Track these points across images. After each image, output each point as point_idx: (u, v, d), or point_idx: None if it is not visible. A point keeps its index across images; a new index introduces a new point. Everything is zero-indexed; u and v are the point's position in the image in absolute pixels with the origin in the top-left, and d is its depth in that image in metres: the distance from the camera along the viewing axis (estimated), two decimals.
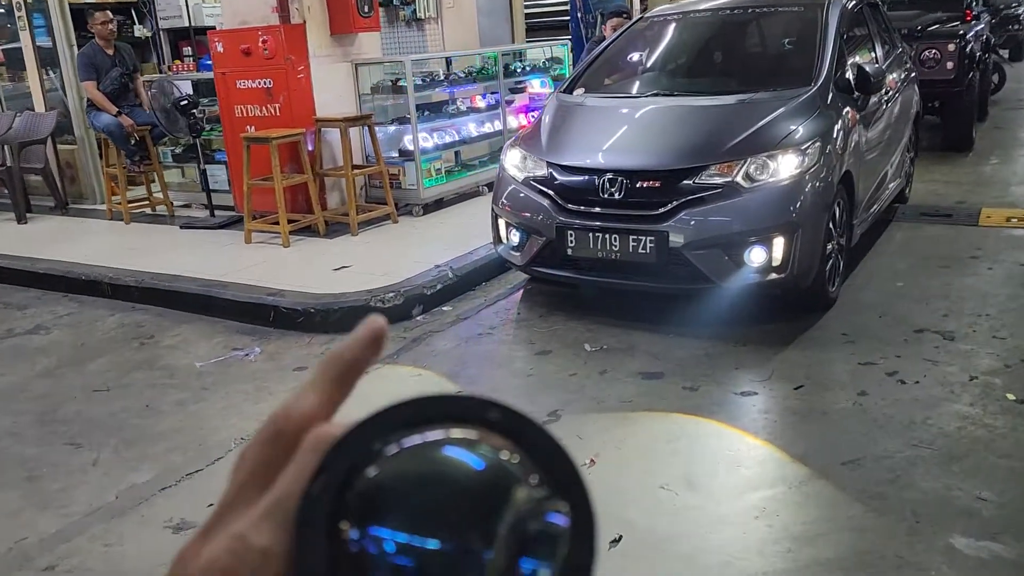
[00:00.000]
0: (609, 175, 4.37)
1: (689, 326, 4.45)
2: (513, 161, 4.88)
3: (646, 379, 3.88)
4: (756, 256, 4.18)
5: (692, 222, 4.18)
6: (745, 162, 4.20)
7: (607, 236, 4.35)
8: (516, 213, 4.76)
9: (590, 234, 4.39)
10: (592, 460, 3.18)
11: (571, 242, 4.46)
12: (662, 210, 4.23)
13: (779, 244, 4.15)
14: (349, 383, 0.42)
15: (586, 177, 4.47)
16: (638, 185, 4.31)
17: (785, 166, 4.21)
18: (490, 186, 7.55)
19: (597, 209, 4.40)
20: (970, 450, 3.11)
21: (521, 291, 5.26)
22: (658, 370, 3.96)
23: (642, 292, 4.49)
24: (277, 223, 6.13)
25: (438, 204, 7.13)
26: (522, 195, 4.73)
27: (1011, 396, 3.48)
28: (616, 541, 2.67)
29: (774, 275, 4.20)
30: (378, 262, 5.55)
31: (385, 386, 3.97)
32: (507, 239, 4.91)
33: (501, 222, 4.95)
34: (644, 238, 4.26)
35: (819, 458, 3.10)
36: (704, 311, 4.55)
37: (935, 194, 7.18)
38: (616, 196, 4.34)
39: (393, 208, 6.62)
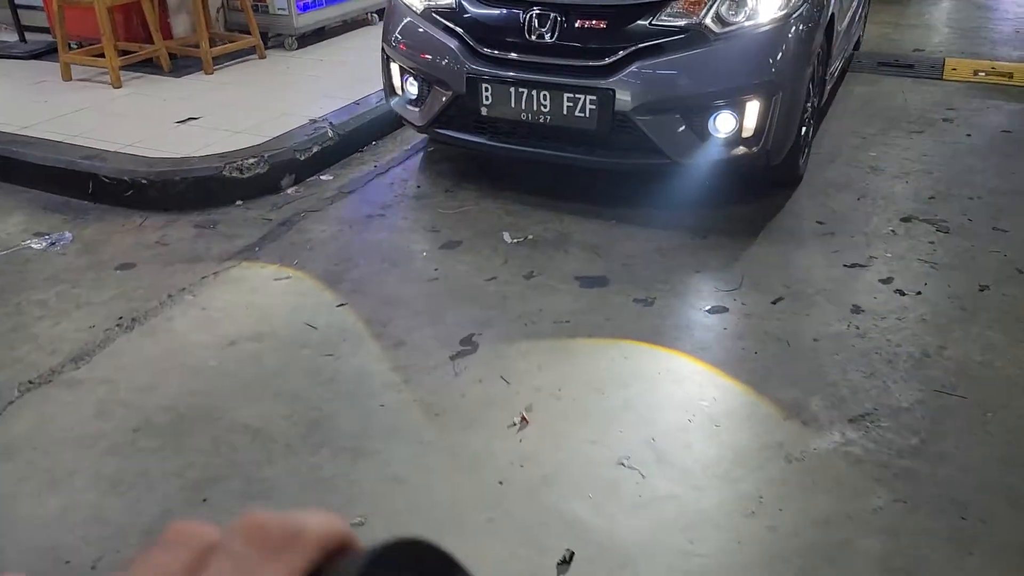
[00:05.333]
0: (538, 9, 3.30)
1: (634, 208, 3.57)
2: None
3: (586, 287, 3.02)
4: (723, 124, 3.27)
5: (646, 78, 3.21)
6: None
7: (534, 92, 3.33)
8: (414, 56, 3.66)
9: (511, 89, 3.37)
10: (524, 418, 2.34)
11: (486, 99, 3.43)
12: (608, 60, 3.23)
13: (753, 109, 3.25)
14: None
15: (507, 10, 3.38)
16: (577, 25, 3.27)
17: (766, 5, 3.23)
18: (382, 13, 6.29)
19: (521, 56, 3.36)
20: (1008, 399, 2.42)
21: (421, 154, 4.22)
22: (600, 273, 3.10)
23: (577, 166, 3.55)
24: (103, 55, 4.77)
25: (318, 35, 5.84)
26: (422, 31, 3.61)
27: None
28: (566, 562, 1.88)
29: (742, 148, 3.32)
30: (237, 112, 4.36)
31: (240, 293, 2.98)
32: (403, 90, 3.81)
33: (394, 67, 3.83)
34: (583, 97, 3.27)
35: (819, 412, 2.36)
36: (651, 188, 3.68)
37: (888, 39, 6.37)
38: (548, 39, 3.29)
39: (259, 39, 5.31)
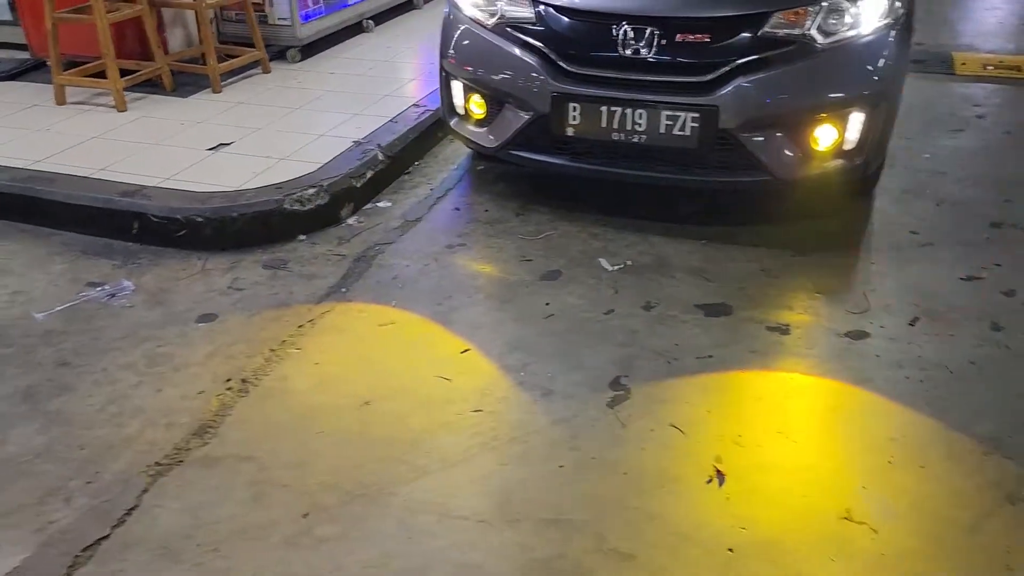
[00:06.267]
0: (634, 23, 3.13)
1: (721, 226, 3.45)
2: None
3: (711, 316, 2.88)
4: (826, 138, 3.18)
5: (751, 93, 3.08)
6: (820, 8, 3.09)
7: (629, 111, 3.17)
8: (482, 74, 3.44)
9: (604, 108, 3.19)
10: (718, 471, 2.19)
11: (573, 119, 3.24)
12: (711, 76, 3.09)
13: (856, 121, 3.16)
14: None
15: (599, 24, 3.20)
16: (676, 39, 3.11)
17: (868, 15, 3.15)
18: (377, 19, 6.00)
19: (615, 72, 3.18)
20: None
21: (472, 174, 4.00)
22: (719, 300, 2.96)
23: (664, 186, 3.40)
24: (102, 75, 4.38)
25: (313, 47, 5.50)
26: (493, 47, 3.40)
27: None
28: None
29: (843, 161, 3.23)
30: (269, 136, 4.05)
31: (349, 343, 2.73)
32: (468, 110, 3.59)
33: (456, 85, 3.60)
34: (684, 115, 3.12)
35: (1018, 445, 2.28)
36: (728, 204, 3.57)
37: None
38: (644, 54, 3.13)
39: (264, 52, 4.97)
